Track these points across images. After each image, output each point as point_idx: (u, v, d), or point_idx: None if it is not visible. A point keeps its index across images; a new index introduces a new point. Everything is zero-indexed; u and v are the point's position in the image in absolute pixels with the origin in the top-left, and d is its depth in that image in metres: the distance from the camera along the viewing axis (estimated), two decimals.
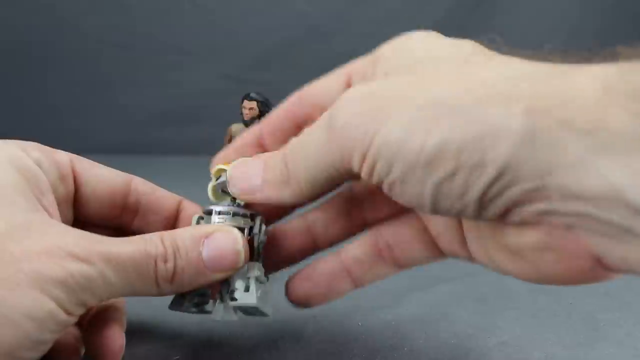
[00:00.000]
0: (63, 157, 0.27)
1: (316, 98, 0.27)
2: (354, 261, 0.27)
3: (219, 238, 0.25)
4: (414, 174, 0.19)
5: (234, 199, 0.28)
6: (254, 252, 0.27)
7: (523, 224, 0.19)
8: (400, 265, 0.28)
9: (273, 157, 0.25)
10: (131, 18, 1.35)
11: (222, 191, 0.28)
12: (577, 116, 0.16)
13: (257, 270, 0.27)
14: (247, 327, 0.33)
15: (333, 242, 0.29)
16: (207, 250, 0.24)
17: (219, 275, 0.25)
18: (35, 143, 0.26)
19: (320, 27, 1.40)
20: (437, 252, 0.27)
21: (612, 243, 0.17)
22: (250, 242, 0.27)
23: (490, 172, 0.18)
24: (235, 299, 0.26)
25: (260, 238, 0.27)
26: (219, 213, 0.27)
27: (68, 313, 0.21)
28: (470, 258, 0.25)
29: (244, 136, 0.29)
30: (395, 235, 0.27)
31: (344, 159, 0.21)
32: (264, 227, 0.28)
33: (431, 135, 0.18)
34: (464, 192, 0.18)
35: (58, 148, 0.27)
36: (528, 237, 0.20)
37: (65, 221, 0.27)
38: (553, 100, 0.17)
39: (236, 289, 0.26)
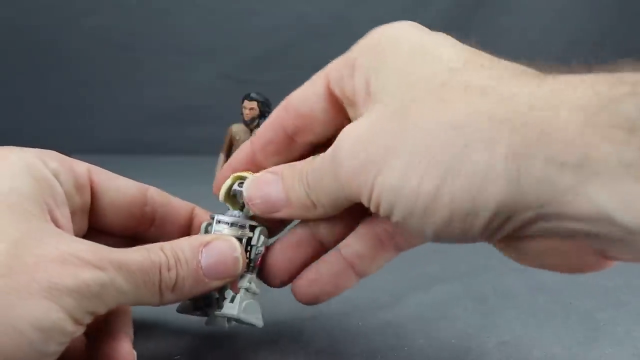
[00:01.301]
0: (81, 167, 0.27)
1: (300, 107, 0.27)
2: (357, 256, 0.27)
3: (217, 246, 0.25)
4: (413, 219, 0.21)
5: (242, 207, 0.28)
6: (249, 264, 0.27)
7: (527, 239, 0.20)
8: (401, 248, 0.28)
9: (290, 176, 0.26)
10: (131, 18, 1.35)
11: (234, 196, 0.28)
12: (561, 151, 0.17)
13: (247, 281, 0.27)
14: (247, 327, 0.33)
15: (339, 240, 0.29)
16: (206, 258, 0.25)
17: (217, 283, 0.25)
18: (54, 152, 0.26)
19: (320, 28, 1.40)
20: None
21: (612, 245, 0.18)
22: (247, 253, 0.27)
23: (484, 216, 0.19)
24: (221, 308, 0.27)
25: (257, 250, 0.28)
26: (219, 222, 0.27)
27: (77, 322, 0.21)
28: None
29: (237, 155, 0.29)
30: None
31: (354, 198, 0.23)
32: (262, 238, 0.28)
33: (423, 185, 0.20)
34: (464, 232, 0.20)
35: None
36: (533, 245, 0.21)
37: (78, 231, 0.28)
38: (535, 138, 0.18)
39: (225, 298, 0.27)
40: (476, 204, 0.19)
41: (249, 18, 1.40)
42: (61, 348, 0.21)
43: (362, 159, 0.22)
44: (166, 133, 1.35)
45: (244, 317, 0.27)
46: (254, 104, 0.43)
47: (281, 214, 0.26)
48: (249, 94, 0.45)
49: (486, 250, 0.52)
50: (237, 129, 0.43)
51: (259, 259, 0.28)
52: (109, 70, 1.35)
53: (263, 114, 0.43)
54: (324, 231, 0.28)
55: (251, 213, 0.28)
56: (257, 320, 0.28)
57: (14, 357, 0.19)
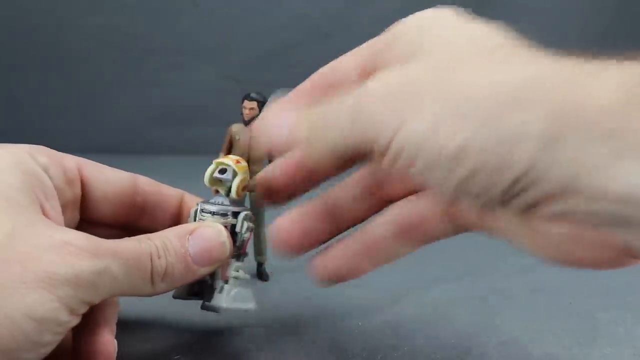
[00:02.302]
0: (70, 161, 0.28)
1: (338, 77, 0.26)
2: (378, 241, 0.27)
3: (203, 233, 0.26)
4: (436, 170, 0.19)
5: (228, 192, 0.28)
6: (236, 251, 0.28)
7: (550, 218, 0.19)
8: (422, 241, 0.27)
9: (304, 116, 0.25)
10: (131, 18, 1.35)
11: (220, 180, 0.29)
12: (598, 122, 0.17)
13: (234, 270, 0.28)
14: (247, 327, 0.33)
15: (356, 221, 0.28)
16: (193, 245, 0.25)
17: (206, 270, 0.26)
18: (44, 147, 0.26)
19: (320, 28, 1.40)
20: (459, 226, 0.26)
21: (638, 236, 0.17)
22: (232, 240, 0.27)
23: (509, 175, 0.18)
24: (209, 301, 0.27)
25: (242, 237, 0.28)
26: (202, 211, 0.28)
27: (72, 312, 0.21)
28: (491, 233, 0.24)
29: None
30: (417, 213, 0.26)
31: (367, 144, 0.21)
32: (246, 224, 0.28)
33: (454, 135, 0.18)
34: (485, 190, 0.19)
35: (58, 148, 0.27)
36: (556, 228, 0.20)
37: (70, 223, 0.28)
38: (574, 105, 0.17)
39: (215, 288, 0.27)
40: (505, 160, 0.18)
41: (249, 18, 1.40)
42: (57, 339, 0.21)
43: (388, 102, 0.20)
44: (166, 133, 1.35)
45: (233, 306, 0.27)
46: (254, 104, 0.42)
47: (279, 147, 0.25)
48: (249, 94, 0.44)
49: (486, 251, 0.52)
50: (237, 129, 0.43)
51: (245, 245, 0.28)
52: (109, 70, 1.35)
53: None
54: (343, 206, 0.28)
55: (235, 197, 0.28)
56: (248, 305, 0.28)
57: (8, 347, 0.19)
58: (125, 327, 0.32)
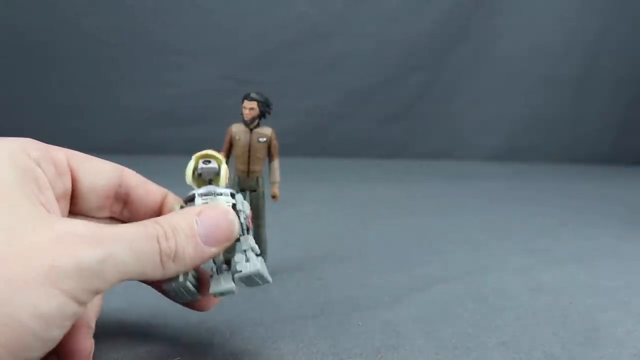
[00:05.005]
0: (60, 154, 0.28)
1: None
2: None
3: (211, 213, 0.26)
4: None
5: (209, 183, 0.29)
6: (241, 228, 0.28)
7: None
8: None
9: None
10: (131, 18, 1.35)
11: (199, 176, 0.29)
12: None
13: (249, 242, 0.28)
14: (247, 327, 0.33)
15: None
16: (202, 226, 0.25)
17: (216, 249, 0.26)
18: (34, 141, 0.26)
19: (320, 27, 1.40)
20: None
21: None
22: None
23: None
24: (240, 271, 0.28)
25: (245, 214, 0.29)
26: (201, 195, 0.28)
27: (79, 303, 0.21)
28: None
29: None
30: None
31: None
32: (245, 202, 0.29)
33: None
34: None
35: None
36: None
37: (62, 216, 0.28)
38: None
39: (237, 262, 0.28)
40: None
41: (249, 18, 1.40)
42: (64, 332, 0.21)
43: None
44: (166, 133, 1.35)
45: (263, 272, 0.28)
46: (254, 104, 0.42)
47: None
48: (249, 94, 0.44)
49: (486, 251, 0.52)
50: (237, 129, 0.43)
51: (249, 220, 0.29)
52: (109, 70, 1.35)
53: (263, 114, 0.43)
54: None
55: (222, 186, 0.29)
56: (269, 277, 0.29)
57: (16, 348, 0.19)
58: (126, 328, 0.33)
